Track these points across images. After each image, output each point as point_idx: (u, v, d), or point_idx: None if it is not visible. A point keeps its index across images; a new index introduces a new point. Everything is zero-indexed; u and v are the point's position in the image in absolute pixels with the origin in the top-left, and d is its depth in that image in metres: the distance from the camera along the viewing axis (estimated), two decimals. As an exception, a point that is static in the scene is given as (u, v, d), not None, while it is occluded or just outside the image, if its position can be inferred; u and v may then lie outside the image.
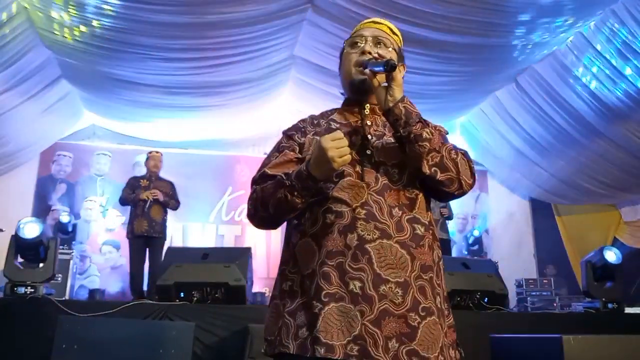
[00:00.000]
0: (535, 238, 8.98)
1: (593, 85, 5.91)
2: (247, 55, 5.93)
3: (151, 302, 3.81)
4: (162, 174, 6.11)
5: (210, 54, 5.85)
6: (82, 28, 5.16)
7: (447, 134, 1.50)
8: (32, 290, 3.54)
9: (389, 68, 1.37)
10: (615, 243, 7.94)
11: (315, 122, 1.55)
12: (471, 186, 1.42)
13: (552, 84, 6.30)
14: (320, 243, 1.35)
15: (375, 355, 1.24)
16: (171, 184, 6.04)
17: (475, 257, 8.06)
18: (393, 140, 1.44)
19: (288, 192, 1.34)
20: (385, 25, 1.58)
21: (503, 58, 6.02)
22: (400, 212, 1.37)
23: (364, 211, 1.34)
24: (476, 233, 8.66)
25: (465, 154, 1.44)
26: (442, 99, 7.09)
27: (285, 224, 1.51)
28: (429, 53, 5.74)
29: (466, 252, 8.52)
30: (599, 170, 7.28)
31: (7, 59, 5.37)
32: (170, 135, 8.04)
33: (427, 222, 1.41)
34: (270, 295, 1.49)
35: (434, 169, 1.37)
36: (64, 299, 5.17)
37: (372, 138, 1.45)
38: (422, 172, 1.37)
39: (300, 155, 1.47)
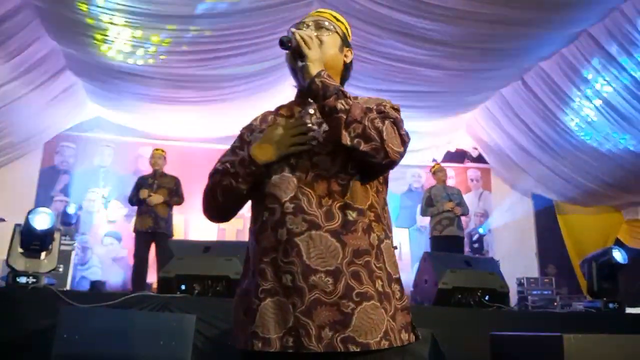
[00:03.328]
0: (537, 237, 8.97)
1: (599, 84, 5.88)
2: (251, 47, 5.92)
3: (152, 294, 3.82)
4: (166, 166, 6.14)
5: (214, 46, 5.84)
6: (89, 21, 5.15)
7: (398, 109, 1.48)
8: (34, 280, 3.55)
9: (282, 45, 1.39)
10: (617, 244, 7.93)
11: (269, 118, 1.58)
12: (400, 154, 1.36)
13: (558, 83, 6.28)
14: (258, 240, 1.40)
15: (308, 345, 1.25)
16: (176, 180, 6.04)
17: (477, 255, 8.05)
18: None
19: (232, 178, 1.42)
20: (329, 13, 1.59)
21: (510, 55, 5.99)
22: (331, 201, 1.36)
23: (292, 205, 1.35)
24: (481, 231, 8.65)
25: (394, 121, 1.37)
26: (447, 96, 7.07)
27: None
28: (435, 48, 5.72)
29: (468, 250, 8.52)
30: (603, 170, 7.26)
31: (12, 49, 5.38)
32: (173, 128, 8.05)
33: (362, 207, 1.38)
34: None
35: (356, 140, 1.31)
36: (65, 289, 5.19)
37: (312, 127, 1.46)
38: (344, 145, 1.33)
39: None
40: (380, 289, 1.34)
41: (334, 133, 1.35)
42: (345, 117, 1.32)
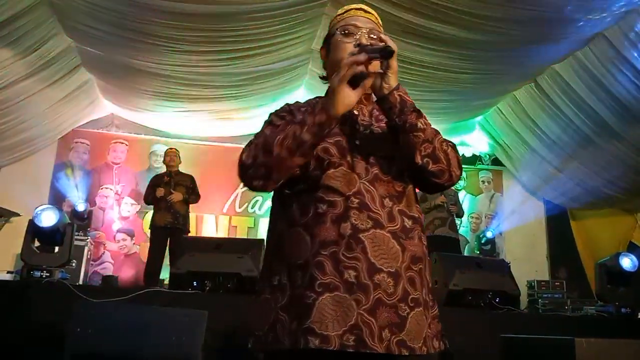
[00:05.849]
0: (549, 239, 8.91)
1: (613, 87, 5.83)
2: (265, 48, 5.93)
3: (164, 289, 3.84)
4: (180, 164, 6.20)
5: (229, 46, 5.86)
6: (104, 17, 5.19)
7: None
8: (48, 274, 3.59)
9: (387, 54, 1.32)
10: (631, 247, 7.84)
11: (303, 109, 1.50)
12: (459, 178, 1.44)
13: (572, 85, 6.23)
14: (313, 233, 1.31)
15: (371, 344, 1.22)
16: (191, 178, 6.15)
17: (488, 257, 8.01)
18: (380, 131, 1.44)
19: (299, 125, 1.29)
20: (374, 15, 1.54)
21: (523, 57, 5.95)
22: (391, 203, 1.36)
23: (357, 200, 1.32)
24: (489, 234, 8.59)
25: (454, 146, 1.45)
26: (460, 97, 7.04)
27: (268, 215, 1.48)
28: (450, 50, 5.70)
29: (478, 252, 8.48)
30: (616, 174, 7.19)
31: (28, 45, 5.43)
32: (186, 126, 8.09)
33: (415, 216, 1.41)
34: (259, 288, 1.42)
35: (426, 159, 1.36)
36: (78, 284, 5.24)
37: (360, 128, 1.44)
38: (415, 162, 1.36)
39: None
40: (425, 297, 1.36)
41: (408, 150, 1.36)
42: (423, 135, 1.35)
